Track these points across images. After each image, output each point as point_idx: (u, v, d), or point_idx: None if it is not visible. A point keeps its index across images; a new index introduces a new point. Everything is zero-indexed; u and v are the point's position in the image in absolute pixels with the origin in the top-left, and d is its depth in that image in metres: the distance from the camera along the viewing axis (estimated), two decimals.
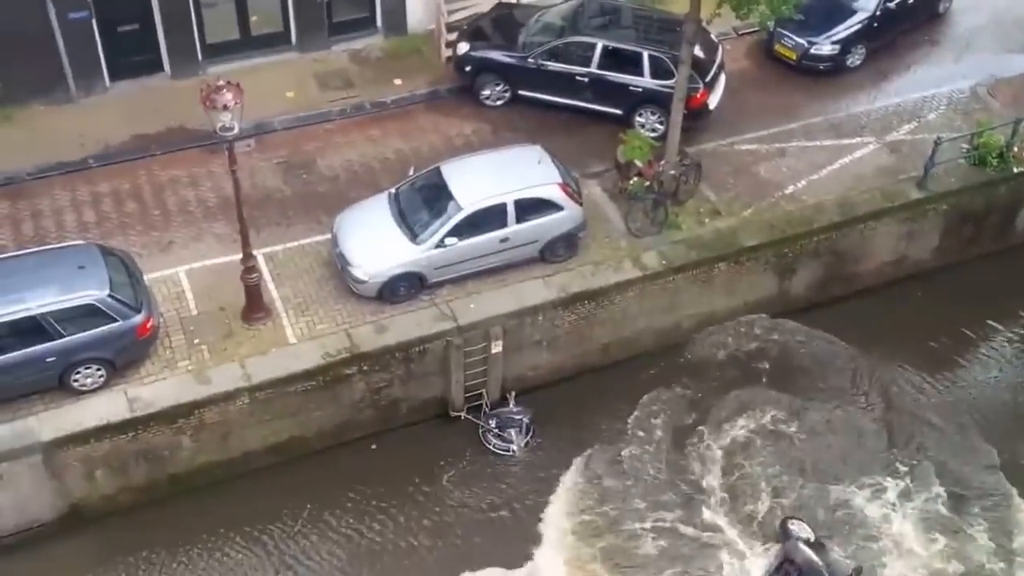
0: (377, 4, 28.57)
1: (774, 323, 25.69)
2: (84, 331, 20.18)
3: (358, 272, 22.28)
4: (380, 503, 22.52)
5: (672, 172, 24.33)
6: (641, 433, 23.63)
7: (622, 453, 23.33)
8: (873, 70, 29.10)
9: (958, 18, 31.19)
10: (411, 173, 23.92)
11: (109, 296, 20.30)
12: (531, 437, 23.54)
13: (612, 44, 26.19)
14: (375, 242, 22.46)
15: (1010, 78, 29.04)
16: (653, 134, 25.82)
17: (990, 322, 26.66)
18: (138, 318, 20.58)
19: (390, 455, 23.08)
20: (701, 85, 25.71)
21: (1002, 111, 27.82)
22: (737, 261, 24.67)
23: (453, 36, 27.81)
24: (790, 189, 25.71)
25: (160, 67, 27.08)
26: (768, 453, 23.41)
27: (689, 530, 22.29)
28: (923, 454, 23.64)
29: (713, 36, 27.03)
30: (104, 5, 25.57)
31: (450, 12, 28.06)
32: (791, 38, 28.51)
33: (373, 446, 23.21)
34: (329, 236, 23.27)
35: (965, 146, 26.58)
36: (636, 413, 23.96)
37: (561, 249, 23.61)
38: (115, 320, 20.32)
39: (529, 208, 22.87)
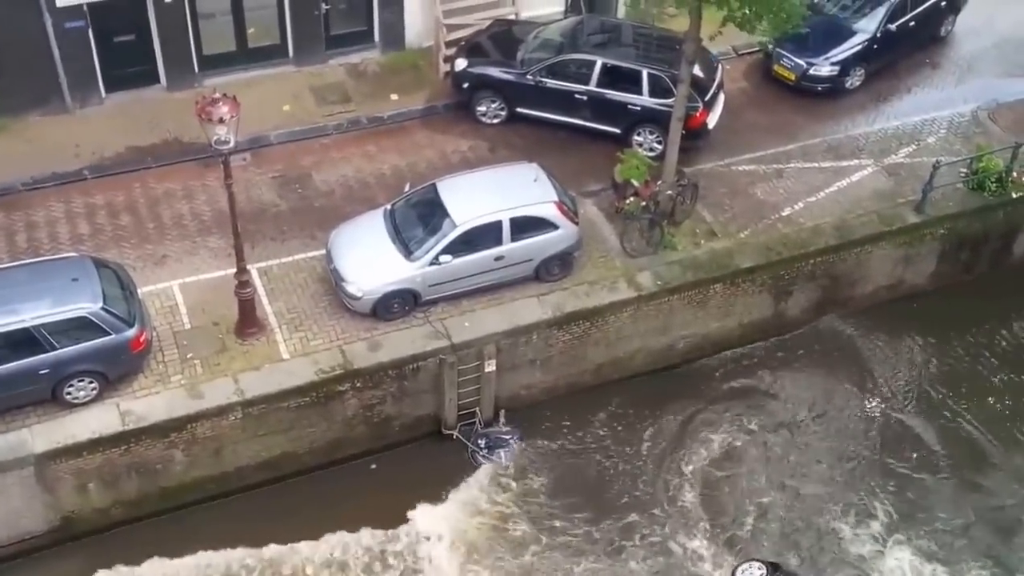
0: (375, 18, 28.48)
1: (767, 347, 25.76)
2: (77, 343, 20.08)
3: (352, 288, 22.18)
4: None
5: (669, 192, 24.25)
6: (628, 450, 23.73)
7: (609, 472, 23.36)
8: (873, 92, 29.06)
9: (960, 41, 31.13)
10: (407, 189, 23.84)
11: (102, 309, 20.19)
12: (521, 451, 23.52)
13: (611, 62, 26.07)
14: (369, 258, 22.37)
15: (1011, 102, 28.98)
16: (651, 153, 25.72)
17: (982, 345, 26.63)
18: (131, 331, 20.48)
19: (383, 475, 23.09)
20: (700, 104, 25.61)
21: (1003, 136, 27.73)
22: (733, 283, 24.59)
23: (451, 52, 27.73)
24: (787, 211, 25.63)
25: (156, 79, 26.99)
26: (754, 472, 23.49)
27: (677, 549, 22.31)
28: (909, 482, 23.65)
29: (712, 55, 26.97)
30: (100, 15, 25.44)
31: (449, 30, 27.98)
32: (790, 59, 28.42)
33: (373, 465, 23.20)
34: (324, 252, 23.16)
35: (964, 170, 26.49)
36: (626, 432, 23.98)
37: (556, 268, 23.53)
38: (108, 333, 20.22)
39: (525, 226, 22.77)
